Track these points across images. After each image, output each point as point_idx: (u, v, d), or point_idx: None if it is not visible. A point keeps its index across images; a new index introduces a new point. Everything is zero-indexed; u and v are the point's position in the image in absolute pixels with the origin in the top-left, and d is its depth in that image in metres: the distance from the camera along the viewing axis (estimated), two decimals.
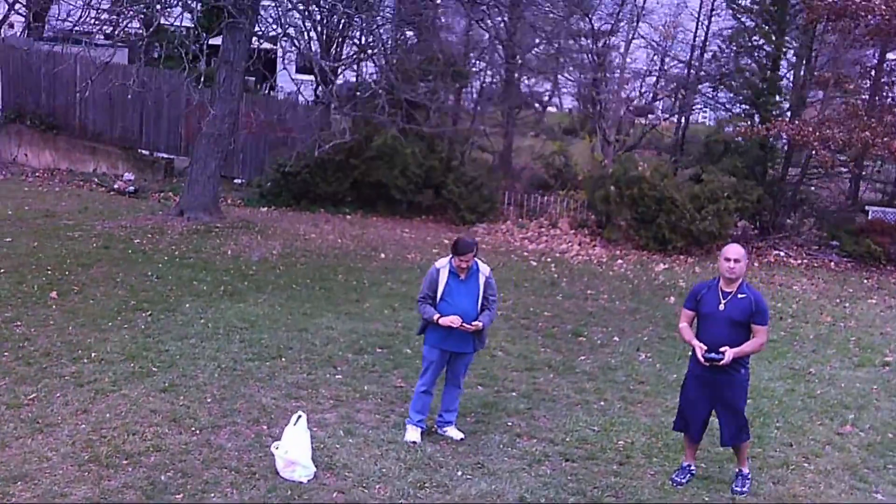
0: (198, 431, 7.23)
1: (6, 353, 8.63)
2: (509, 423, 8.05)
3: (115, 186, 19.08)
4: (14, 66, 21.58)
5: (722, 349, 6.66)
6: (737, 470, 7.21)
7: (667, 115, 23.47)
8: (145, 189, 19.29)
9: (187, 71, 14.19)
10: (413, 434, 7.48)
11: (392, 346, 10.01)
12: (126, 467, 6.50)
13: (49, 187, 18.73)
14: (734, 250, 6.84)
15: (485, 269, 7.48)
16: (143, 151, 21.38)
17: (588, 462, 7.36)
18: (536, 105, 27.60)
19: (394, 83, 16.25)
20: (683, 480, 7.09)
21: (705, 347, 6.73)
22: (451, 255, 7.40)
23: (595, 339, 11.10)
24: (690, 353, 6.96)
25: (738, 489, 7.05)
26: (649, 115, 25.25)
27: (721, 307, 6.77)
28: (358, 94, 16.84)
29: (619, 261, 16.33)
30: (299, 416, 6.79)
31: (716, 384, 6.85)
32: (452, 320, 7.20)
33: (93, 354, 8.77)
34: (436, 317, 7.27)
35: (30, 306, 10.19)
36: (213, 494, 6.23)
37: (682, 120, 22.13)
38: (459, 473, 6.93)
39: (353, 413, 7.96)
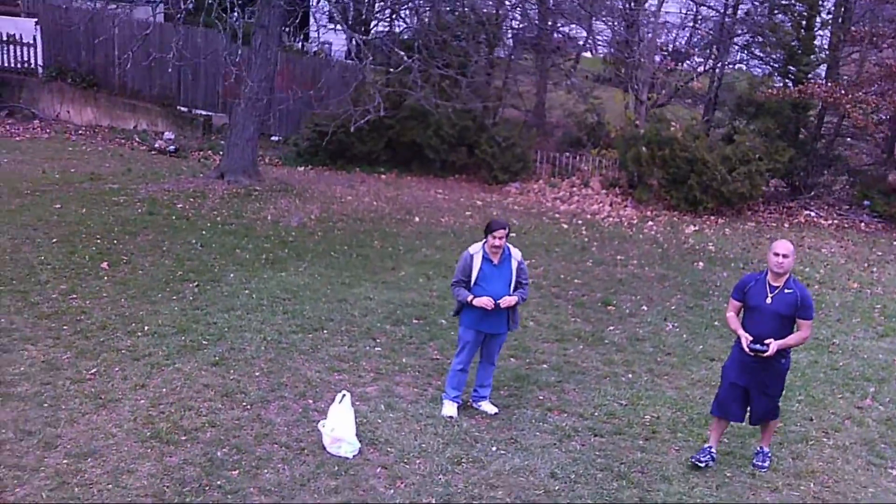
0: (248, 406, 7.70)
1: (66, 327, 9.11)
2: (540, 397, 8.45)
3: (156, 145, 19.52)
4: (54, 24, 21.90)
5: (767, 341, 6.96)
6: (759, 447, 7.57)
7: (700, 71, 23.25)
8: (185, 147, 19.71)
9: (223, 31, 14.38)
10: (450, 409, 7.91)
11: (427, 316, 10.40)
12: (185, 443, 6.97)
13: (92, 146, 19.17)
14: (784, 246, 7.06)
15: (516, 254, 7.81)
16: (182, 108, 21.75)
17: (615, 437, 7.75)
18: (570, 51, 27.35)
19: (430, 48, 16.31)
20: (703, 459, 7.44)
21: (751, 338, 7.03)
22: (483, 241, 7.73)
23: (624, 308, 11.42)
24: (735, 340, 7.27)
25: (759, 464, 7.43)
26: (685, 63, 24.91)
27: (768, 300, 7.03)
28: (391, 71, 16.95)
29: (650, 222, 16.52)
30: (344, 395, 7.23)
31: (757, 371, 7.15)
32: (486, 302, 7.56)
33: (146, 327, 9.23)
34: (469, 298, 7.62)
35: (83, 278, 10.63)
36: (266, 470, 6.71)
37: (716, 74, 21.93)
38: (494, 449, 7.36)
39: (393, 386, 8.39)
